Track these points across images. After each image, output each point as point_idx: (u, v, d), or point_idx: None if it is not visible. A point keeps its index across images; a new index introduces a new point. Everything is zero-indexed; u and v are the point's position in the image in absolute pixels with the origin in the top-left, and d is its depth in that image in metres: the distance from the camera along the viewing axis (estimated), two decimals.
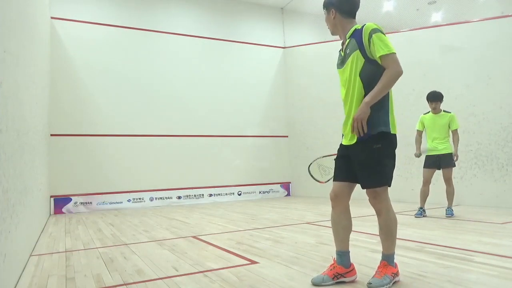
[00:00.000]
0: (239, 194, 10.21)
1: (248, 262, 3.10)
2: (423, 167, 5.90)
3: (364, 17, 12.34)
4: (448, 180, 5.64)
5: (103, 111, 8.99)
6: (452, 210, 5.60)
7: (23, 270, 3.18)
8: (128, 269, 3.05)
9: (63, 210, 8.25)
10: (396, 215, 2.50)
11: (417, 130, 5.95)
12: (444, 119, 5.69)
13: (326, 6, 2.52)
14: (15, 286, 2.73)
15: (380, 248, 3.41)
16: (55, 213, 8.15)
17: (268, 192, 10.68)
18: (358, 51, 2.32)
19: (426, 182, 5.81)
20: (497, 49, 6.92)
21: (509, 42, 6.80)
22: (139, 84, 9.43)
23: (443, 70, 7.69)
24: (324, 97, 9.98)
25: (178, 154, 9.66)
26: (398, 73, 2.26)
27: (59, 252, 3.91)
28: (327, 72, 9.98)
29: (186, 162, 9.72)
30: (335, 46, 10.01)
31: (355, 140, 2.38)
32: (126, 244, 4.20)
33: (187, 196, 9.63)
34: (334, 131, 10.02)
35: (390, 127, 2.46)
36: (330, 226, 2.59)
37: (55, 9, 8.56)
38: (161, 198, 9.31)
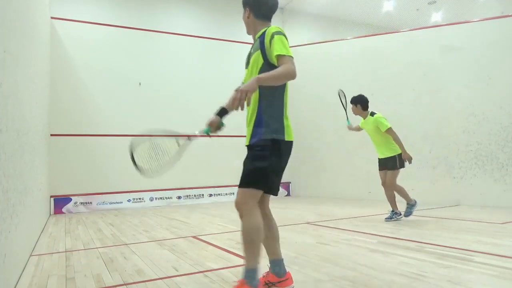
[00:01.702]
0: None
1: None
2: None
3: (364, 17, 12.26)
4: (383, 184, 5.31)
5: (103, 111, 8.98)
6: (396, 213, 5.26)
7: (23, 270, 3.18)
8: (128, 269, 3.05)
9: (63, 210, 8.25)
10: (260, 229, 2.11)
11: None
12: (370, 124, 5.34)
13: (243, 4, 2.45)
14: (15, 286, 2.73)
15: (380, 248, 3.41)
16: (55, 213, 8.15)
17: None
18: (259, 51, 2.25)
19: (382, 183, 5.41)
20: (497, 49, 6.92)
21: (509, 42, 6.80)
22: (139, 84, 9.43)
23: (443, 70, 7.69)
24: (324, 97, 9.98)
25: None
26: (293, 71, 2.08)
27: (59, 252, 3.91)
28: (327, 72, 10.00)
29: (186, 162, 9.68)
30: (335, 46, 10.02)
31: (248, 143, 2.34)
32: (126, 244, 4.20)
33: (187, 196, 9.63)
34: (334, 131, 10.03)
35: (285, 134, 2.35)
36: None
37: (55, 9, 8.55)
38: (161, 198, 9.31)
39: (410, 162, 5.14)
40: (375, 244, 3.64)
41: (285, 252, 3.45)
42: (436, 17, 12.05)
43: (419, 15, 11.66)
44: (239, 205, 2.18)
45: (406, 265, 2.81)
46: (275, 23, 2.33)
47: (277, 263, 2.34)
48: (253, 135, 2.33)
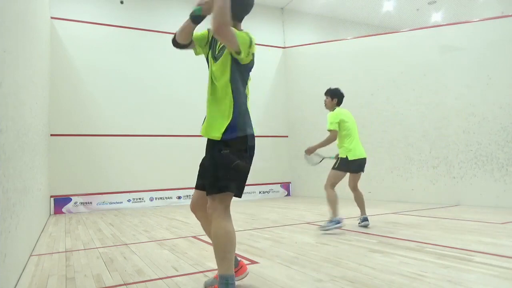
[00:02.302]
0: None
1: (248, 262, 3.10)
2: None
3: (364, 17, 12.24)
4: (324, 186, 4.64)
5: (103, 111, 8.99)
6: (333, 221, 4.45)
7: (23, 270, 3.18)
8: (128, 269, 3.05)
9: (63, 210, 8.25)
10: (232, 233, 2.13)
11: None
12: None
13: None
14: (15, 286, 2.73)
15: (380, 248, 3.41)
16: (55, 213, 8.15)
17: (268, 192, 10.68)
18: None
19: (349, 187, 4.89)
20: (497, 49, 6.92)
21: (509, 42, 6.80)
22: (139, 84, 9.43)
23: (443, 70, 7.69)
24: (324, 97, 9.98)
25: (178, 154, 9.66)
26: (222, 7, 1.97)
27: (59, 252, 3.91)
28: (327, 72, 10.00)
29: (186, 162, 9.71)
30: (335, 46, 10.01)
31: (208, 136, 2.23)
32: (126, 244, 4.20)
33: (187, 196, 9.62)
34: None
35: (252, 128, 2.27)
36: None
37: (55, 9, 8.56)
38: (161, 198, 9.31)
39: (305, 155, 4.72)
40: (375, 244, 3.64)
41: (285, 252, 3.45)
42: (436, 17, 12.05)
43: (419, 15, 11.65)
44: (212, 213, 2.17)
45: (406, 265, 2.81)
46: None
47: None
48: (227, 128, 2.15)
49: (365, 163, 4.74)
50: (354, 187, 4.80)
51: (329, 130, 4.57)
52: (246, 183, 2.33)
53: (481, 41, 7.17)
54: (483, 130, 7.01)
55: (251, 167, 2.29)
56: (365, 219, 4.73)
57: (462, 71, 7.40)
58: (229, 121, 2.15)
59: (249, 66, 2.28)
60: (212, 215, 2.15)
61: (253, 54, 2.26)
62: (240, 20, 2.34)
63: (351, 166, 4.59)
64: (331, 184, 4.57)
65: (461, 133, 7.33)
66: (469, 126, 7.20)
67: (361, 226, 4.71)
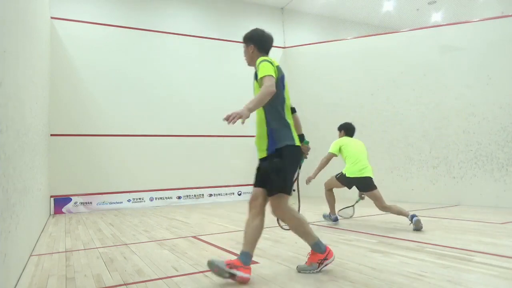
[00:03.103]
0: (239, 194, 10.20)
1: None
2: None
3: (364, 17, 12.26)
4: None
5: (103, 111, 8.99)
6: (331, 217, 5.26)
7: (23, 270, 3.18)
8: (128, 269, 3.05)
9: (63, 210, 8.25)
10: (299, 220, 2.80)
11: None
12: None
13: (246, 41, 2.97)
14: (15, 286, 2.73)
15: (380, 248, 3.42)
16: (55, 213, 8.15)
17: None
18: (254, 79, 2.81)
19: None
20: (497, 49, 6.92)
21: (509, 42, 6.80)
22: (139, 84, 9.43)
23: (443, 70, 7.69)
24: (324, 97, 9.98)
25: (178, 154, 9.66)
26: (268, 90, 2.51)
27: (59, 252, 3.91)
28: (327, 72, 10.00)
29: (186, 162, 9.72)
30: (335, 46, 10.01)
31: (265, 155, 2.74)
32: (126, 244, 4.20)
33: (187, 196, 9.63)
34: (334, 131, 10.02)
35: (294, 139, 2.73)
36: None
37: (55, 9, 8.55)
38: (161, 198, 9.31)
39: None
40: (375, 244, 3.64)
41: (285, 252, 3.45)
42: (436, 17, 12.05)
43: (419, 15, 11.65)
44: (276, 213, 2.87)
45: (406, 265, 2.81)
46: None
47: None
48: (267, 147, 2.72)
49: (368, 182, 4.94)
50: (381, 207, 4.84)
51: (328, 152, 5.30)
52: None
53: (481, 41, 7.17)
54: (483, 130, 7.01)
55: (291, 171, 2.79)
56: (413, 216, 4.45)
57: (462, 71, 7.40)
58: (267, 141, 2.71)
59: (279, 81, 2.68)
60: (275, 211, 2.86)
61: (277, 67, 2.69)
62: (266, 51, 2.90)
63: (350, 182, 5.07)
64: (327, 185, 5.38)
65: (461, 133, 7.33)
66: (469, 126, 7.20)
67: (414, 226, 4.40)
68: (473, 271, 2.60)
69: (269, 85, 2.52)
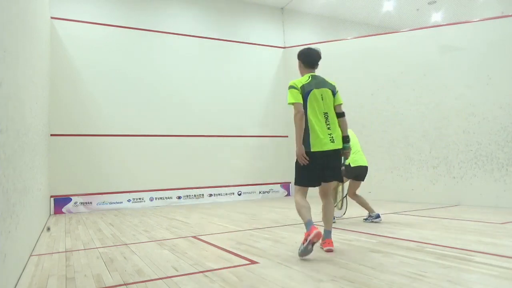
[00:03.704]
0: (239, 194, 10.21)
1: (248, 262, 3.10)
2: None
3: (364, 17, 12.25)
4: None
5: (103, 111, 8.99)
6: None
7: (23, 270, 3.18)
8: (128, 269, 3.05)
9: (63, 210, 8.25)
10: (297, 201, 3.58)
11: None
12: None
13: (297, 57, 3.72)
14: (15, 286, 2.73)
15: (380, 248, 3.43)
16: (55, 213, 8.16)
17: (268, 192, 10.68)
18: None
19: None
20: (497, 49, 6.92)
21: (509, 42, 6.80)
22: (139, 84, 9.43)
23: (443, 70, 7.69)
24: None
25: (178, 154, 9.66)
26: (295, 120, 3.31)
27: (59, 252, 3.91)
28: (327, 72, 9.96)
29: (186, 162, 9.72)
30: (335, 46, 9.99)
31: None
32: (126, 244, 4.20)
33: (187, 196, 9.63)
34: None
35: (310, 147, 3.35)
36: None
37: (55, 9, 8.56)
38: (161, 198, 9.31)
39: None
40: (375, 244, 3.64)
41: (285, 252, 3.45)
42: (436, 17, 12.05)
43: (419, 15, 11.65)
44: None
45: (406, 265, 2.81)
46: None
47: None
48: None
49: (365, 172, 5.20)
50: (353, 194, 5.23)
51: None
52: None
53: (481, 41, 7.17)
54: (483, 130, 7.01)
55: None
56: (377, 216, 5.10)
57: (462, 71, 7.40)
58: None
59: (303, 99, 3.32)
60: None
61: (303, 86, 3.35)
62: (311, 66, 3.62)
63: (353, 172, 5.12)
64: (349, 192, 5.30)
65: (461, 133, 7.33)
66: (469, 126, 7.20)
67: (375, 222, 5.06)
68: (473, 271, 2.60)
69: (294, 115, 3.28)
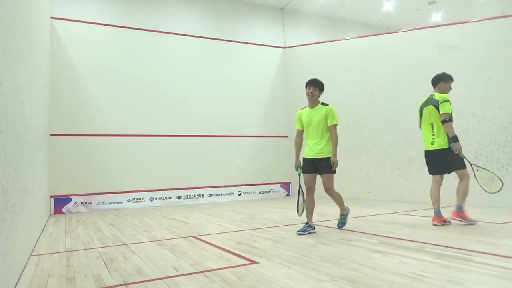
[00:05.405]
0: (239, 194, 10.21)
1: (248, 262, 3.10)
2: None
3: (364, 17, 12.23)
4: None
5: (103, 111, 8.99)
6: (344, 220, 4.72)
7: (23, 270, 3.18)
8: (128, 269, 3.05)
9: (63, 210, 8.25)
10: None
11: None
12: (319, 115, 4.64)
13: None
14: (15, 286, 2.73)
15: (380, 248, 3.43)
16: (55, 213, 8.15)
17: (268, 192, 10.68)
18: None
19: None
20: (497, 49, 6.92)
21: (509, 42, 6.80)
22: (139, 84, 9.43)
23: (443, 70, 7.67)
24: (324, 97, 9.97)
25: (178, 154, 9.66)
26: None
27: (59, 252, 3.91)
28: (327, 72, 9.98)
29: (186, 162, 9.72)
30: (335, 46, 9.97)
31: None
32: (126, 244, 4.20)
33: (187, 196, 9.63)
34: None
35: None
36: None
37: (55, 9, 8.56)
38: (161, 198, 9.31)
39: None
40: (375, 244, 3.64)
41: (285, 252, 3.45)
42: (436, 17, 12.05)
43: (419, 15, 11.65)
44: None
45: (406, 265, 2.81)
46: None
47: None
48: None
49: None
50: (328, 190, 4.87)
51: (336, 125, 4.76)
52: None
53: (481, 41, 7.17)
54: (483, 130, 7.01)
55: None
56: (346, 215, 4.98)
57: (462, 71, 7.39)
58: None
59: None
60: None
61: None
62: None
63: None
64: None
65: (461, 133, 7.31)
66: (469, 126, 7.19)
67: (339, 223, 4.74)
68: (473, 271, 2.60)
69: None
